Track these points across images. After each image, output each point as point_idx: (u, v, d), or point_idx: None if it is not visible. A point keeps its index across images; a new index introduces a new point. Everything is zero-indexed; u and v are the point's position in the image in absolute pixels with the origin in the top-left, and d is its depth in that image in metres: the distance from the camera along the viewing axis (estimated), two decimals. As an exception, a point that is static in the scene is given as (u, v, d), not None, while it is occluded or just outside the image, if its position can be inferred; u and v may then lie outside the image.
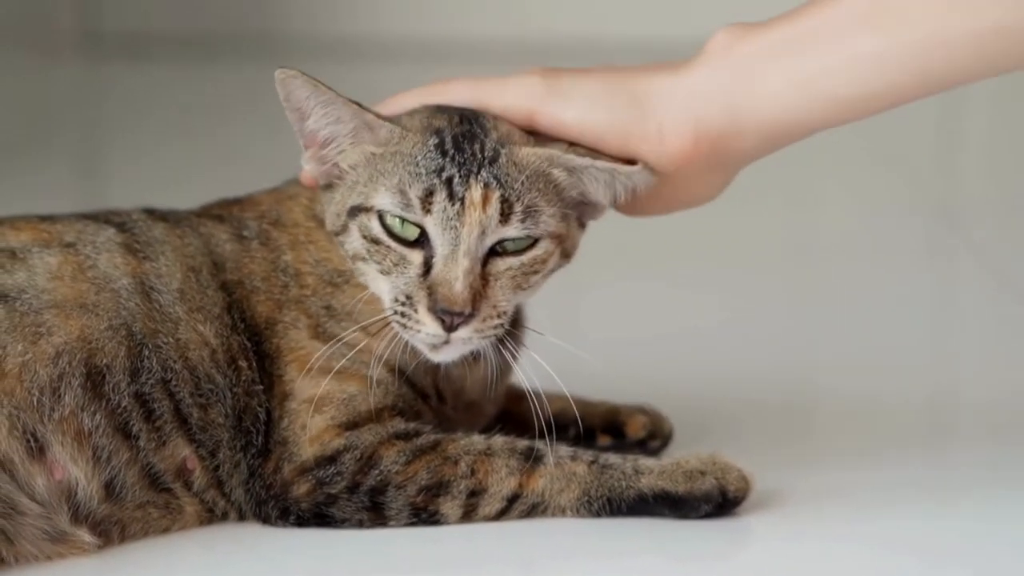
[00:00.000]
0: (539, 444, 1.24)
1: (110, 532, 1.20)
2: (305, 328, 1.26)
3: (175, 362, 1.23)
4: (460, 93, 1.27)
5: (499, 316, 1.21)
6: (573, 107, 1.25)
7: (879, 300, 1.94)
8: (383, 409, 1.25)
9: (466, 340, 1.21)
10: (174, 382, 1.23)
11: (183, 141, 2.95)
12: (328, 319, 1.26)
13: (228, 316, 1.26)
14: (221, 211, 1.32)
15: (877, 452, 1.41)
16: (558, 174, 1.24)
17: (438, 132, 1.23)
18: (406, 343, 1.23)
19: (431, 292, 1.20)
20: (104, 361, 1.21)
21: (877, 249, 2.20)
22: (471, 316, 1.20)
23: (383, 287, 1.23)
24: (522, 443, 1.25)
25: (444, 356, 1.23)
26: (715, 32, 1.25)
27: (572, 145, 1.25)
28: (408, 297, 1.21)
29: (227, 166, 2.68)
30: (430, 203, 1.20)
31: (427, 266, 1.21)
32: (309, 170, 1.27)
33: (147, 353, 1.22)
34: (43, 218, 1.29)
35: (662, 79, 1.25)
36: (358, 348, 1.24)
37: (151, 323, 1.23)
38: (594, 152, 1.25)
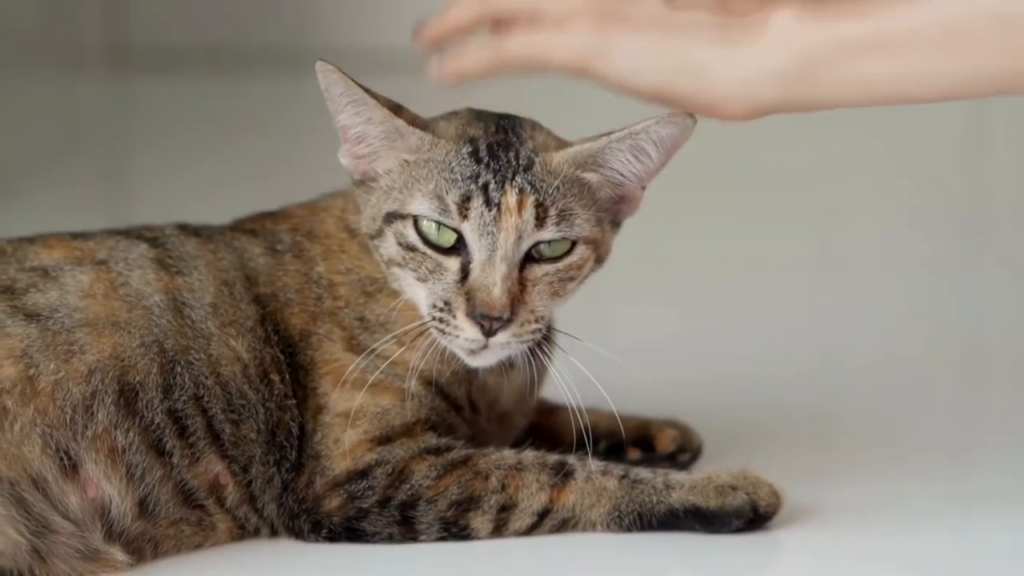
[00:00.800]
0: (570, 458, 1.25)
1: (143, 549, 1.20)
2: (339, 340, 1.26)
3: (207, 378, 1.24)
4: (519, 41, 1.24)
5: (536, 321, 1.22)
6: (619, 67, 1.21)
7: (907, 311, 1.93)
8: (416, 423, 1.25)
9: (504, 345, 1.21)
10: (206, 398, 1.23)
11: (210, 154, 2.96)
12: (362, 331, 1.26)
13: (261, 329, 1.27)
14: (254, 225, 1.33)
15: (907, 465, 1.40)
16: (589, 176, 1.24)
17: (472, 140, 1.24)
18: (441, 353, 1.24)
19: (469, 297, 1.20)
20: (137, 378, 1.22)
21: (905, 260, 2.19)
22: (509, 321, 1.20)
23: (420, 293, 1.23)
24: (552, 458, 1.25)
25: (482, 361, 1.23)
26: (778, 8, 1.21)
27: None
28: (446, 303, 1.21)
29: (254, 178, 2.69)
30: (467, 208, 1.21)
31: (464, 272, 1.21)
32: (345, 164, 1.27)
33: (179, 370, 1.23)
34: (75, 235, 1.29)
35: (719, 50, 1.21)
36: (392, 360, 1.24)
37: (183, 339, 1.24)
38: None
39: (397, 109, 1.25)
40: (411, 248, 1.23)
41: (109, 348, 1.22)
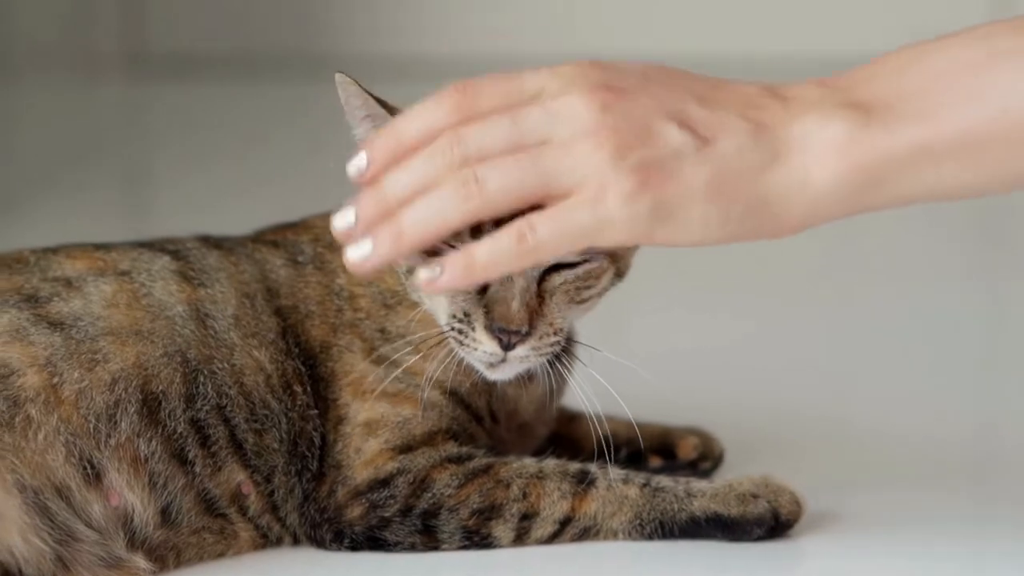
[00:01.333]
0: (591, 467, 1.25)
1: (165, 558, 1.21)
2: (359, 351, 1.26)
3: (230, 388, 1.24)
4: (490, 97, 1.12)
5: (555, 333, 1.21)
6: (686, 233, 1.07)
7: (926, 321, 1.93)
8: (437, 432, 1.25)
9: (523, 358, 1.20)
10: (229, 408, 1.24)
11: (228, 160, 2.97)
12: (382, 342, 1.27)
13: (283, 341, 1.27)
14: (275, 236, 1.33)
15: (929, 473, 1.40)
16: None
17: None
18: (459, 363, 1.24)
19: (488, 310, 1.19)
20: (160, 388, 1.22)
21: (923, 270, 2.19)
22: (527, 335, 1.19)
23: (440, 302, 1.23)
24: (574, 466, 1.25)
25: (500, 374, 1.22)
26: (819, 106, 1.08)
27: None
28: (466, 314, 1.20)
29: (272, 185, 2.70)
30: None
31: (485, 284, 1.21)
32: None
33: (202, 379, 1.23)
34: (98, 246, 1.30)
35: (775, 178, 1.07)
36: (412, 370, 1.24)
37: (206, 349, 1.24)
38: None
39: None
40: (435, 255, 1.22)
41: (132, 357, 1.22)
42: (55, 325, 1.22)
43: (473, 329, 1.20)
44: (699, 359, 1.75)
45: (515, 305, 1.19)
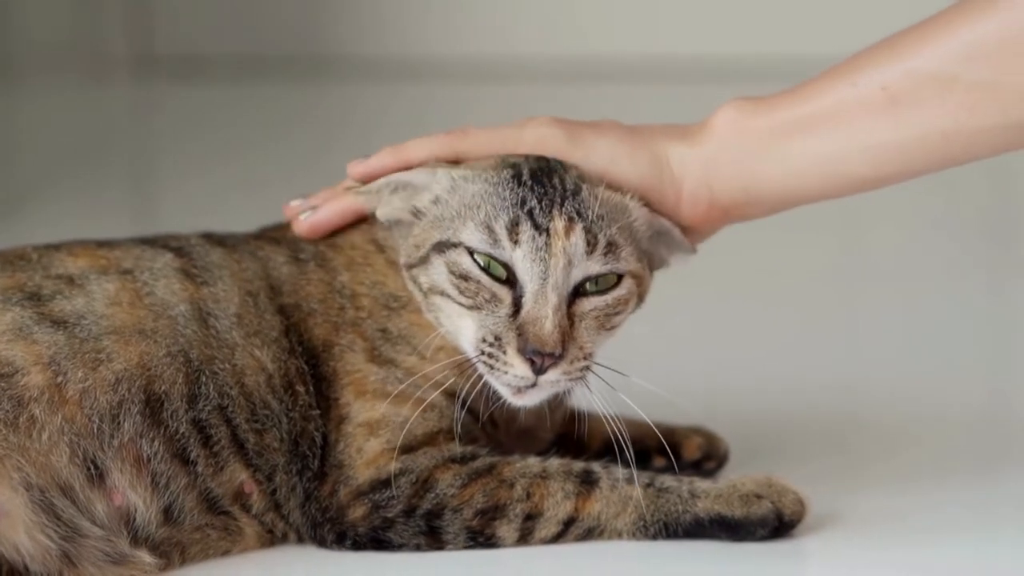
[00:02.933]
0: (595, 466, 1.24)
1: (170, 554, 1.21)
2: (361, 351, 1.26)
3: (232, 388, 1.24)
4: (478, 140, 1.29)
5: (585, 358, 1.21)
6: (596, 158, 1.27)
7: (931, 319, 1.93)
8: (439, 432, 1.25)
9: (553, 383, 1.20)
10: (231, 408, 1.24)
11: (233, 161, 2.97)
12: (383, 342, 1.26)
13: (286, 340, 1.27)
14: (277, 234, 1.33)
15: (933, 473, 1.40)
16: (639, 225, 1.26)
17: (514, 166, 1.24)
18: (460, 367, 1.24)
19: (521, 332, 1.19)
20: (162, 388, 1.22)
21: (928, 268, 2.19)
22: (560, 357, 1.19)
23: (466, 324, 1.22)
24: (578, 465, 1.24)
25: (527, 400, 1.22)
26: (722, 106, 1.29)
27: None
28: (497, 338, 1.20)
29: (278, 186, 2.70)
30: (517, 234, 1.21)
31: (516, 307, 1.20)
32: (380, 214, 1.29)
33: (204, 379, 1.23)
34: (100, 243, 1.29)
35: (678, 145, 1.28)
36: (409, 368, 1.24)
37: (208, 349, 1.24)
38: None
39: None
40: (465, 277, 1.22)
41: (136, 357, 1.22)
42: (58, 324, 1.22)
43: (504, 352, 1.20)
44: (704, 359, 1.75)
45: (548, 325, 1.19)
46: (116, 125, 3.38)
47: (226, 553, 1.23)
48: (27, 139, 3.23)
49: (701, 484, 1.24)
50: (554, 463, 1.24)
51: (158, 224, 2.45)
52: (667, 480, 1.24)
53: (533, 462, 1.24)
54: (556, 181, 1.23)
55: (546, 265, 1.20)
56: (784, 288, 2.08)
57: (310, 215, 1.31)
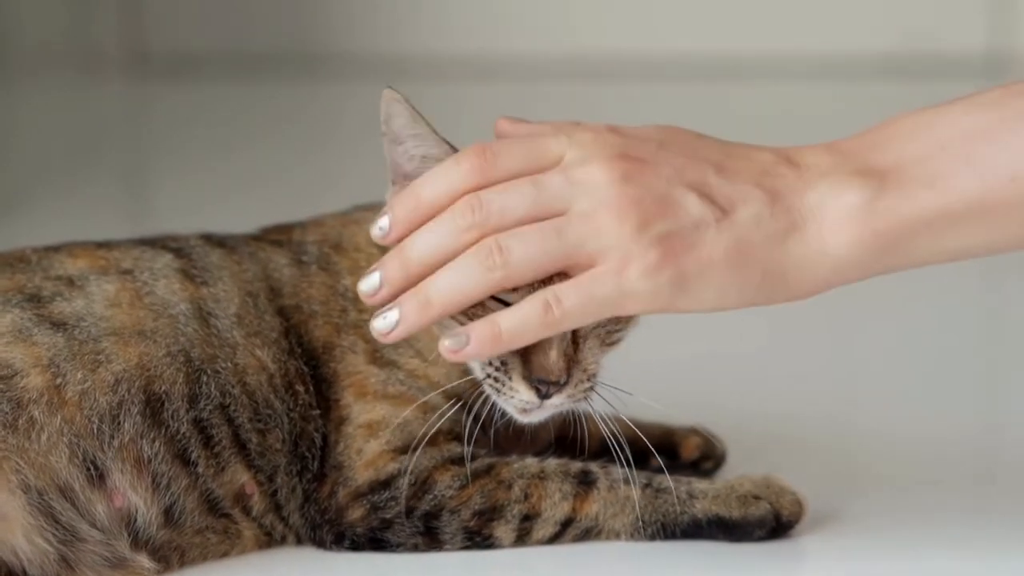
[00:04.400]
0: (592, 467, 1.25)
1: (169, 557, 1.21)
2: (362, 352, 1.26)
3: (233, 387, 1.24)
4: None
5: (588, 380, 1.21)
6: (702, 301, 1.13)
7: (931, 320, 1.93)
8: (438, 434, 1.25)
9: (558, 405, 1.21)
10: (232, 408, 1.24)
11: (228, 159, 2.97)
12: (385, 344, 1.26)
13: (286, 341, 1.27)
14: (280, 235, 1.33)
15: (931, 474, 1.40)
16: None
17: None
18: (464, 371, 1.24)
19: (526, 360, 1.19)
20: (163, 388, 1.22)
21: (927, 271, 2.18)
22: (565, 384, 1.19)
23: None
24: (575, 466, 1.25)
25: (533, 418, 1.22)
26: (835, 178, 1.11)
27: None
28: (503, 363, 1.20)
29: (271, 184, 2.70)
30: None
31: None
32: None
33: (205, 379, 1.23)
34: (100, 244, 1.29)
35: (793, 249, 1.11)
36: (414, 373, 1.24)
37: (209, 349, 1.24)
38: None
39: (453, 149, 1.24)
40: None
41: (135, 357, 1.22)
42: (58, 325, 1.22)
43: (510, 378, 1.19)
44: (701, 359, 1.75)
45: (553, 356, 1.18)
46: (109, 123, 3.38)
47: (224, 556, 1.23)
48: (19, 137, 3.23)
49: (699, 485, 1.24)
50: (552, 464, 1.25)
51: (152, 222, 2.45)
52: (665, 481, 1.24)
53: (531, 463, 1.25)
54: None
55: None
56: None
57: (392, 326, 1.15)
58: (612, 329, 1.22)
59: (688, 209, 1.10)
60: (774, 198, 1.10)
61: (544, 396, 1.19)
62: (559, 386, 1.19)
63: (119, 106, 3.57)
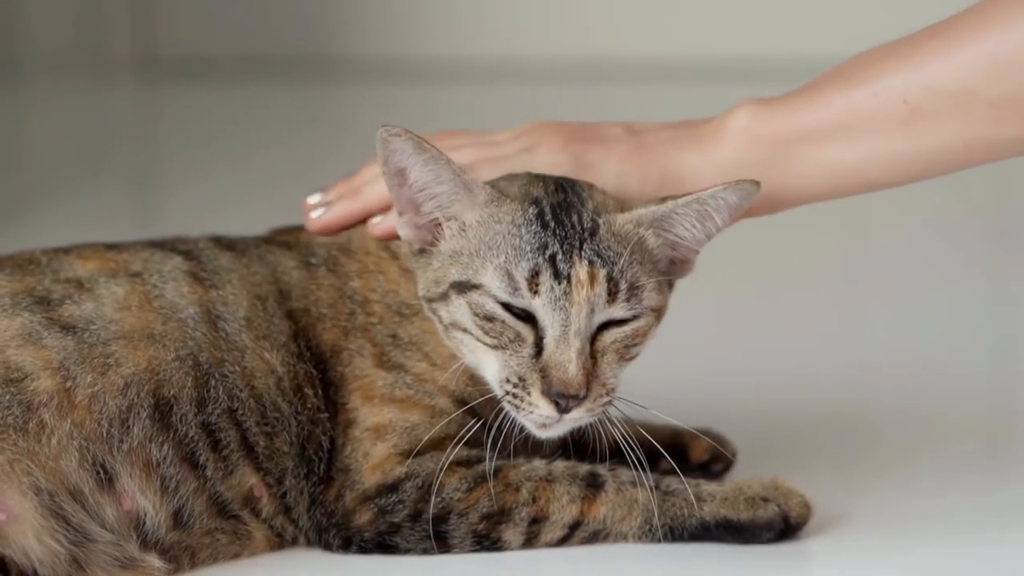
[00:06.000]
0: (600, 469, 1.25)
1: (180, 558, 1.21)
2: (370, 356, 1.26)
3: (241, 391, 1.24)
4: (475, 163, 1.30)
5: (608, 393, 1.21)
6: (605, 181, 1.28)
7: (937, 316, 1.93)
8: (446, 438, 1.25)
9: (577, 419, 1.21)
10: (240, 411, 1.24)
11: (238, 162, 2.97)
12: (393, 348, 1.26)
13: (294, 344, 1.27)
14: (288, 238, 1.33)
15: (938, 475, 1.40)
16: (650, 238, 1.24)
17: (537, 202, 1.23)
18: (470, 376, 1.24)
19: (544, 375, 1.19)
20: (171, 392, 1.22)
21: (930, 267, 2.19)
22: (584, 398, 1.20)
23: (489, 361, 1.22)
24: (583, 468, 1.25)
25: (552, 433, 1.23)
26: (734, 109, 1.29)
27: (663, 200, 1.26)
28: (521, 379, 1.20)
29: (281, 187, 2.69)
30: (537, 283, 1.20)
31: (538, 346, 1.20)
32: (405, 235, 1.26)
33: (213, 383, 1.23)
34: (109, 247, 1.30)
35: (690, 156, 1.29)
36: (422, 377, 1.25)
37: (217, 352, 1.24)
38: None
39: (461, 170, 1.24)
40: (490, 318, 1.21)
41: (144, 361, 1.22)
42: (68, 328, 1.22)
43: (529, 394, 1.20)
44: (711, 361, 1.75)
45: (572, 369, 1.19)
46: (120, 126, 3.38)
47: (235, 557, 1.23)
48: (31, 141, 3.24)
49: (707, 487, 1.24)
50: (560, 466, 1.25)
51: (162, 225, 2.46)
52: (673, 483, 1.24)
53: (539, 464, 1.25)
54: (576, 219, 1.22)
55: (567, 313, 1.19)
56: (789, 289, 2.08)
57: (322, 213, 1.32)
58: (631, 343, 1.22)
59: (606, 127, 1.32)
60: (684, 124, 1.31)
61: (564, 410, 1.19)
62: (579, 400, 1.19)
63: (130, 109, 3.58)
